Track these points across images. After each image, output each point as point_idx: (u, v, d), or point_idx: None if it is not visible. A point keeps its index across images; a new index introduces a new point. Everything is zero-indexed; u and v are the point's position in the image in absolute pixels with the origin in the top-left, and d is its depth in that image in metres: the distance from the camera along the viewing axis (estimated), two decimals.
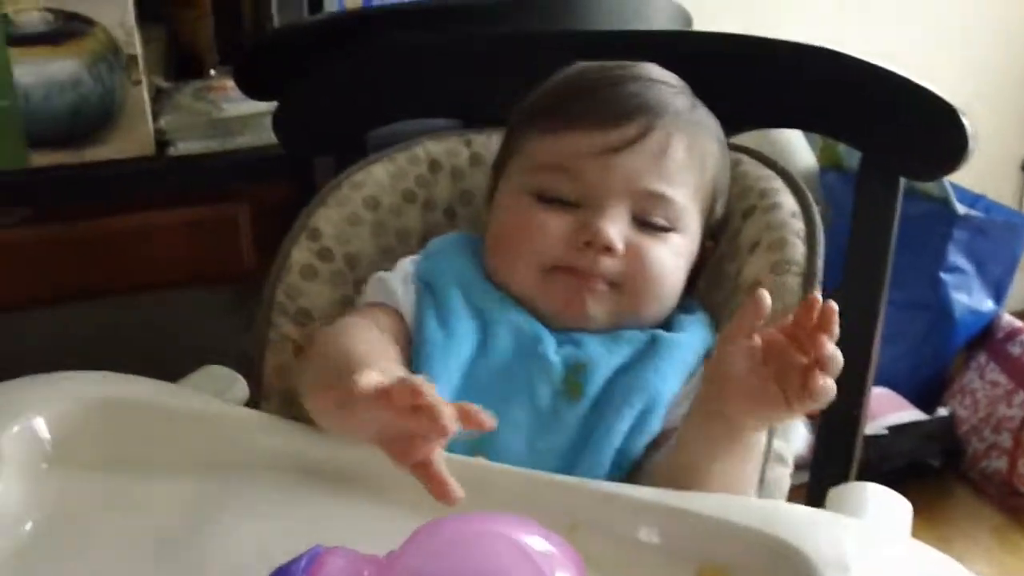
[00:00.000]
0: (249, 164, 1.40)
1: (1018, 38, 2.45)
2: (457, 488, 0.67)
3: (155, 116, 1.38)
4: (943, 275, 2.14)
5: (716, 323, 0.95)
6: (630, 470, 0.86)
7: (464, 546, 0.59)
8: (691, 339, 0.91)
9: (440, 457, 0.68)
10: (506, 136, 1.00)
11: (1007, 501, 2.06)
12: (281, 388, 0.97)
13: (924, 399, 2.17)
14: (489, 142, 1.08)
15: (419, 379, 0.67)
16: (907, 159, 1.02)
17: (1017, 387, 2.09)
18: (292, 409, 0.95)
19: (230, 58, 1.55)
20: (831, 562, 0.67)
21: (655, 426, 0.87)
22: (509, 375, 0.88)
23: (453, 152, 1.08)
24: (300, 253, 1.00)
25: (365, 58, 1.14)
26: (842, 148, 2.13)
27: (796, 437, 0.96)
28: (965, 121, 0.96)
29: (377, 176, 1.04)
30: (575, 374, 0.88)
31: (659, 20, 1.34)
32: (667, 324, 0.94)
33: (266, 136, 1.39)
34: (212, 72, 1.55)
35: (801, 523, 0.72)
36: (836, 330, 0.72)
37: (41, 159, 1.34)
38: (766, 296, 0.74)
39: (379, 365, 0.75)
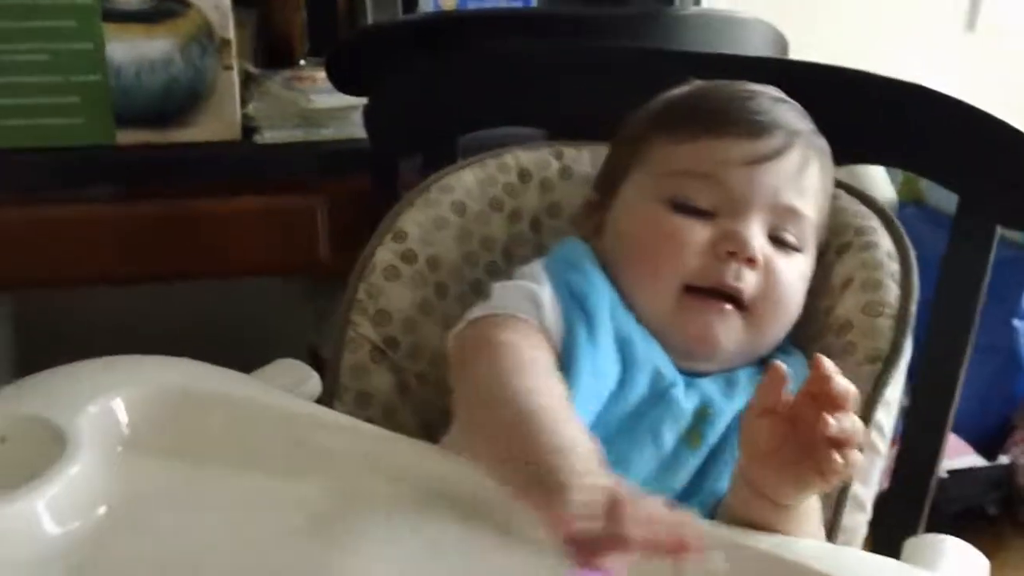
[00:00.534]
0: (331, 157, 1.41)
1: None
2: None
3: (243, 102, 1.39)
4: (1016, 322, 2.10)
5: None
6: None
7: None
8: (796, 387, 0.89)
9: None
10: (620, 147, 0.98)
11: None
12: (356, 388, 0.97)
13: (986, 445, 2.13)
14: (579, 156, 1.07)
15: (651, 504, 0.62)
16: (1006, 208, 1.00)
17: None
18: (367, 410, 0.95)
19: (320, 49, 1.56)
20: None
21: None
22: (639, 417, 0.86)
23: (543, 163, 1.06)
24: (384, 253, 0.99)
25: (464, 61, 1.13)
26: (924, 183, 2.10)
27: (875, 481, 0.93)
28: None
29: (466, 181, 1.03)
30: (700, 422, 0.86)
31: (756, 43, 1.33)
32: (765, 360, 0.92)
33: (350, 130, 1.41)
34: (302, 62, 1.56)
35: (878, 573, 0.71)
36: (849, 404, 0.69)
37: (128, 137, 1.35)
38: (782, 367, 0.72)
39: (572, 441, 0.69)
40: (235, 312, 1.88)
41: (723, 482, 0.82)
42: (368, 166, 1.22)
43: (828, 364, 0.70)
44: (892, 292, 0.92)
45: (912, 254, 0.95)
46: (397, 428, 0.87)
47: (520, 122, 1.16)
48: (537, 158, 1.07)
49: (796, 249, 0.91)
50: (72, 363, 0.87)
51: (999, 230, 0.99)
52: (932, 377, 1.01)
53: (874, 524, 0.97)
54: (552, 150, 1.08)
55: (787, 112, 0.93)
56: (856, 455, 0.69)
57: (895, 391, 0.90)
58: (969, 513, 2.04)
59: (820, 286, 0.96)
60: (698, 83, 0.97)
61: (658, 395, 0.86)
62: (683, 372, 0.89)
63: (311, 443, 0.82)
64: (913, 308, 0.92)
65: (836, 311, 0.94)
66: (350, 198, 1.40)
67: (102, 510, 0.76)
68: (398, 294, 0.99)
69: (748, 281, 0.88)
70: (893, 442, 0.95)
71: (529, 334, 0.85)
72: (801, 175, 0.91)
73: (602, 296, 0.89)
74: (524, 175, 1.06)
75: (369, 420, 0.87)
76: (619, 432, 0.85)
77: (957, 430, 2.08)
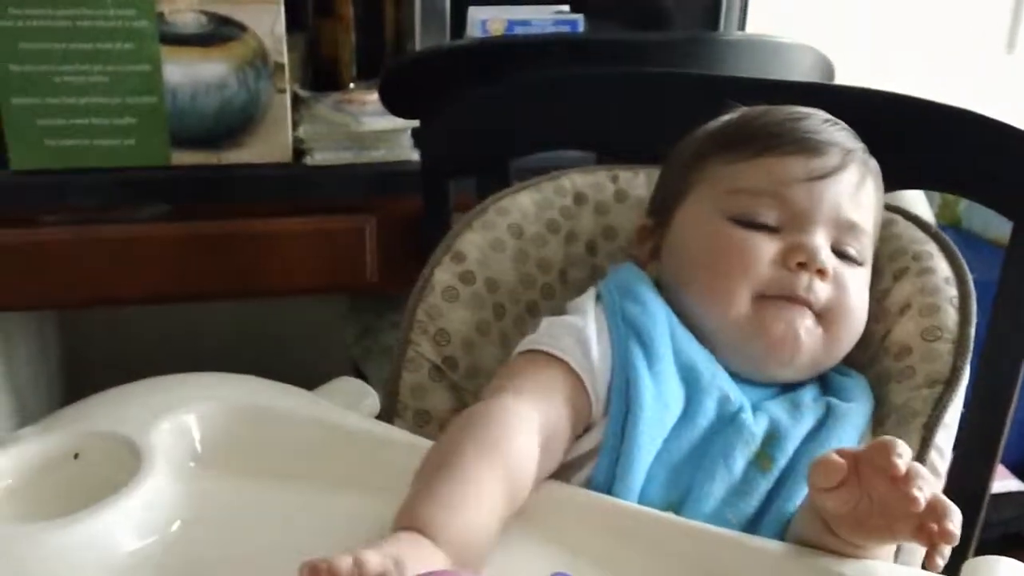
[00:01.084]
0: (380, 178, 1.42)
1: None
2: None
3: (293, 124, 1.41)
4: None
5: None
6: None
7: None
8: (861, 408, 0.90)
9: None
10: (674, 171, 0.99)
11: None
12: (416, 407, 0.98)
13: None
14: (635, 179, 1.08)
15: None
16: None
17: None
18: (425, 428, 0.96)
19: (367, 73, 1.58)
20: None
21: None
22: (709, 443, 0.86)
23: (599, 186, 1.08)
24: (443, 274, 1.01)
25: (517, 85, 1.14)
26: (962, 207, 2.10)
27: None
28: None
29: (522, 204, 1.05)
30: (769, 445, 0.86)
31: (803, 68, 1.34)
32: (824, 381, 0.93)
33: (399, 152, 1.43)
34: (351, 85, 1.58)
35: None
36: (927, 486, 0.69)
37: (182, 158, 1.37)
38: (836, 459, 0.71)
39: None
40: (282, 329, 1.90)
41: (793, 503, 0.83)
42: (416, 187, 1.24)
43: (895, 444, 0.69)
44: (951, 317, 0.93)
45: (970, 279, 0.96)
46: None
47: (570, 146, 1.18)
48: (593, 181, 1.08)
49: (858, 263, 0.92)
50: (142, 380, 0.88)
51: None
52: (985, 400, 1.02)
53: None
54: (608, 173, 1.09)
55: (840, 132, 0.95)
56: (956, 520, 0.68)
57: (954, 414, 0.91)
58: (1008, 539, 2.03)
59: (876, 310, 0.96)
60: (747, 108, 0.98)
61: (727, 420, 0.87)
62: (747, 391, 0.89)
63: (378, 460, 0.83)
64: (972, 332, 0.92)
65: (893, 336, 0.94)
66: (398, 219, 1.42)
67: (176, 526, 0.76)
68: (457, 315, 1.00)
69: (819, 292, 0.89)
70: None
71: (552, 381, 0.86)
72: (859, 191, 0.93)
73: (660, 322, 0.90)
74: (579, 198, 1.07)
75: (428, 438, 0.88)
76: (689, 459, 0.85)
77: None
